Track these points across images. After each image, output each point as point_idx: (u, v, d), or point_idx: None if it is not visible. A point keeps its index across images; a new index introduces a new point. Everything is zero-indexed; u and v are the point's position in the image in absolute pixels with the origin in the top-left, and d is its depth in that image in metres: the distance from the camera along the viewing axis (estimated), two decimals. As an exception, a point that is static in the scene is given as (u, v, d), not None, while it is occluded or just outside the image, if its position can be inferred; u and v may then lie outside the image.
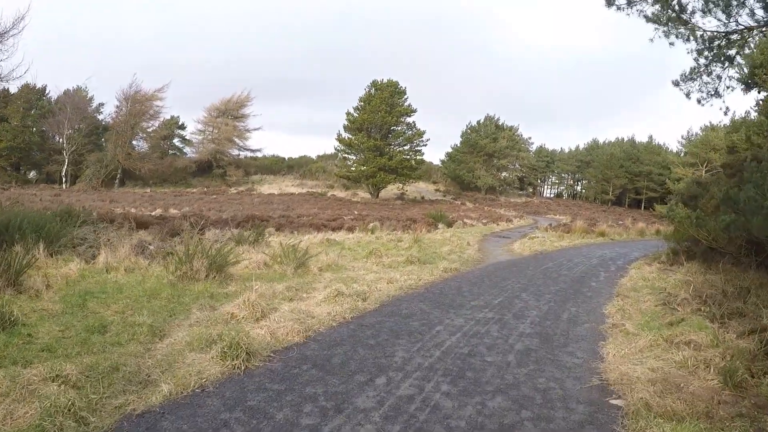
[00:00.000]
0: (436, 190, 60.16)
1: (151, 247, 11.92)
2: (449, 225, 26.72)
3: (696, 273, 13.22)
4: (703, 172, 50.51)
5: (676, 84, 13.93)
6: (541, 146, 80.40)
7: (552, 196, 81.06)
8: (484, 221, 30.90)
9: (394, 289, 9.06)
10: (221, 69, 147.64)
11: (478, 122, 64.32)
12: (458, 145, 65.17)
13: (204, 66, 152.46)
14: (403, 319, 7.15)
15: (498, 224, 30.04)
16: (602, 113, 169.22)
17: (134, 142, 62.83)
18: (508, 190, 66.26)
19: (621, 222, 37.60)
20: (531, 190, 78.88)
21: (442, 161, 69.13)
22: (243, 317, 6.74)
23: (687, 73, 13.17)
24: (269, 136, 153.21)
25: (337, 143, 48.78)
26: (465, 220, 30.50)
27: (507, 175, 64.87)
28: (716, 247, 11.81)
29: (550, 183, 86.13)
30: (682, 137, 57.53)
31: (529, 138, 67.52)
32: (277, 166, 75.25)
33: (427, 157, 54.24)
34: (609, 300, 9.58)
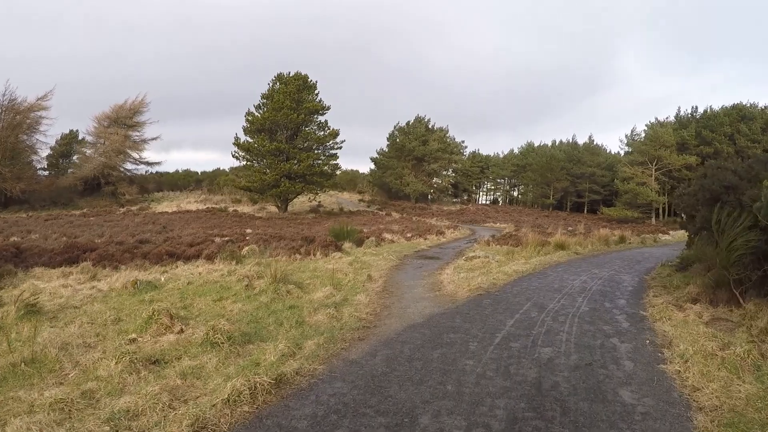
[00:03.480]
0: (360, 201, 52.95)
1: None
2: (359, 243, 19.58)
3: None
4: (653, 170, 45.69)
5: None
6: (475, 151, 74.94)
7: (488, 202, 75.45)
8: (408, 235, 23.90)
9: None
10: (144, 84, 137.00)
11: (407, 123, 57.69)
12: (385, 149, 58.32)
13: (126, 82, 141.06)
14: None
15: (426, 238, 23.10)
16: (536, 119, 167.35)
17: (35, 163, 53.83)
18: (441, 198, 59.88)
19: (572, 228, 31.52)
20: (466, 197, 72.98)
21: (372, 170, 62.07)
22: None
23: None
24: (198, 156, 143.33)
25: (235, 148, 40.69)
26: (385, 234, 23.43)
27: (439, 181, 58.38)
28: None
29: (485, 189, 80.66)
30: (626, 136, 52.86)
31: (462, 141, 61.41)
32: (185, 182, 66.78)
33: (354, 166, 47.03)
34: None
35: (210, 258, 15.45)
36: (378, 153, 58.62)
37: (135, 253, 15.85)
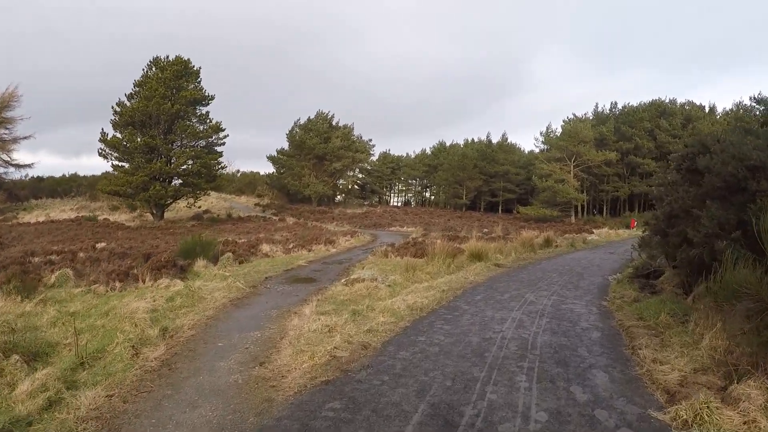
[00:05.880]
0: (257, 205, 47.21)
1: None
2: (215, 260, 14.60)
3: None
4: (572, 166, 43.19)
5: None
6: (385, 152, 70.79)
7: (400, 204, 71.49)
8: (290, 246, 18.97)
9: None
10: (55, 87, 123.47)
11: (309, 119, 52.47)
12: (285, 148, 52.87)
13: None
14: None
15: (311, 250, 18.27)
16: (451, 122, 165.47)
17: None
18: (349, 201, 55.11)
19: (487, 230, 27.70)
20: (377, 200, 68.69)
21: (277, 171, 56.22)
22: None
23: None
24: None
25: (101, 145, 33.95)
26: (263, 245, 18.42)
27: (344, 182, 53.54)
28: None
29: (397, 191, 76.71)
30: (541, 133, 50.16)
31: (370, 140, 56.74)
32: (67, 187, 58.56)
33: (262, 168, 41.10)
34: None
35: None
36: (278, 152, 53.05)
37: None
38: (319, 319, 6.99)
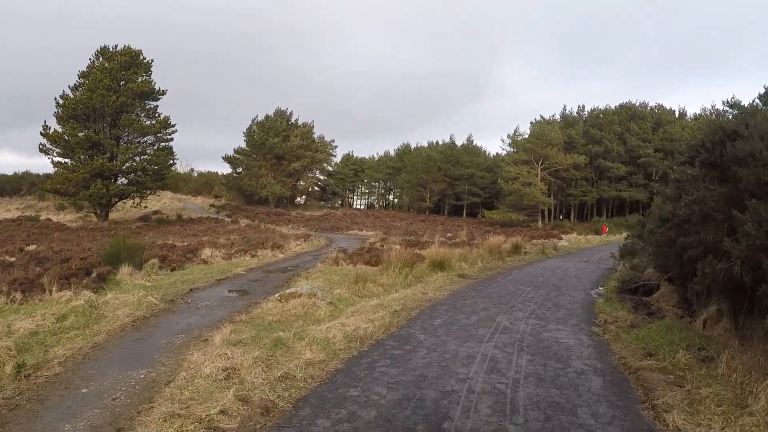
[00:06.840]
0: (212, 206, 44.83)
1: None
2: (140, 266, 12.59)
3: None
4: (539, 169, 42.13)
5: None
6: (348, 153, 68.76)
7: (363, 207, 69.61)
8: (234, 250, 17.02)
9: None
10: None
11: (267, 117, 50.21)
12: (244, 147, 50.50)
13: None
14: None
15: (256, 255, 16.35)
16: (417, 124, 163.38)
17: None
18: (309, 203, 53.04)
19: (451, 235, 26.14)
20: (339, 202, 66.74)
21: (237, 172, 53.76)
22: None
23: None
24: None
25: (43, 140, 31.18)
26: (206, 249, 16.44)
27: (303, 183, 51.39)
28: None
29: (360, 193, 74.84)
30: (508, 136, 48.92)
31: (332, 141, 54.74)
32: (17, 185, 54.80)
33: (217, 168, 38.93)
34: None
35: None
36: (235, 151, 50.62)
37: None
38: (224, 354, 5.16)
